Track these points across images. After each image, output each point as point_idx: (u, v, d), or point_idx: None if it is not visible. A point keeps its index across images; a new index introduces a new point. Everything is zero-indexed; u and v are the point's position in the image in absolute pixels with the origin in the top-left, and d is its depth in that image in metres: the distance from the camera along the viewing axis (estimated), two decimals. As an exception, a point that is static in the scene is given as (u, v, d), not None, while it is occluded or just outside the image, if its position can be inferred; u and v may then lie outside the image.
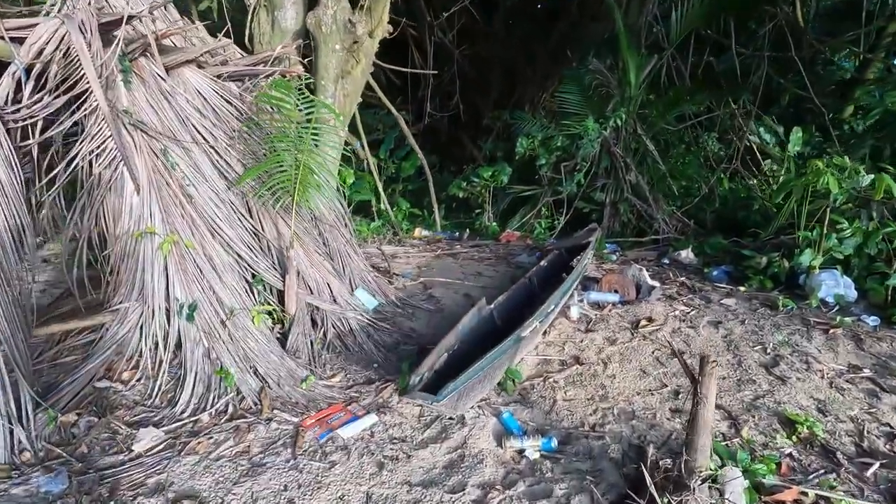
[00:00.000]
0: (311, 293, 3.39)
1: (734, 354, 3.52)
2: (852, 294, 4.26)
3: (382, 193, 6.85)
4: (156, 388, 2.68)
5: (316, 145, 3.35)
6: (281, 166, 3.31)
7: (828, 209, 4.23)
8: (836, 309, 4.26)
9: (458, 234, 7.14)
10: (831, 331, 3.87)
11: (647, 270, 4.74)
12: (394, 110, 6.41)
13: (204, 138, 3.24)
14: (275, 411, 2.64)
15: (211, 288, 2.91)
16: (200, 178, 3.13)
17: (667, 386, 3.13)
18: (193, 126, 3.21)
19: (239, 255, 3.16)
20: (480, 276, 5.02)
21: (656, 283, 4.57)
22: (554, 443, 2.54)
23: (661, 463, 2.32)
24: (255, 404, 2.67)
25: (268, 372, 2.83)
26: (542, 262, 4.60)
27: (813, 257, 4.26)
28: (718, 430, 2.71)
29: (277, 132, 3.48)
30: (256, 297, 3.14)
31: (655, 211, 7.00)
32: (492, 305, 3.42)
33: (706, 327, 3.91)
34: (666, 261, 6.04)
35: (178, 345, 2.85)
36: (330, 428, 2.54)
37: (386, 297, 3.90)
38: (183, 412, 2.57)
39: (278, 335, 3.17)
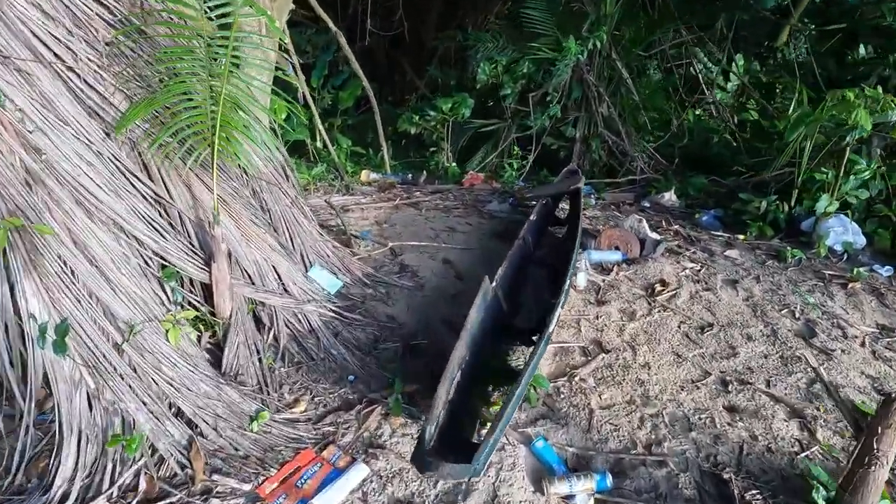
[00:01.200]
0: (251, 283, 2.44)
1: (765, 323, 3.06)
2: (861, 241, 3.94)
3: (322, 130, 5.67)
4: (14, 463, 1.71)
5: (237, 66, 2.26)
6: (190, 99, 2.21)
7: (848, 148, 3.76)
8: (844, 258, 3.94)
9: (411, 176, 6.18)
10: (850, 285, 3.52)
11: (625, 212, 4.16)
12: (333, 25, 5.12)
13: (56, 55, 2.05)
14: (214, 476, 1.78)
15: (92, 295, 1.89)
16: (55, 119, 1.99)
17: (710, 374, 2.60)
18: (34, 34, 2.00)
19: (136, 239, 2.11)
20: (454, 233, 4.21)
21: (658, 236, 4.00)
22: (609, 480, 1.93)
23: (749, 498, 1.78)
24: (183, 468, 1.79)
25: (197, 412, 1.92)
26: (532, 217, 3.85)
27: (829, 202, 3.84)
28: (790, 434, 2.23)
29: (178, 46, 2.32)
30: (170, 298, 2.15)
31: (629, 147, 6.40)
32: (494, 283, 2.66)
33: (724, 289, 3.42)
34: (646, 204, 5.52)
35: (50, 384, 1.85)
36: (303, 497, 1.75)
37: (350, 273, 3.01)
38: (63, 499, 1.64)
39: (208, 349, 2.23)
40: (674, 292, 3.32)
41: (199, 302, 2.26)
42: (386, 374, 2.39)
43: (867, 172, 3.70)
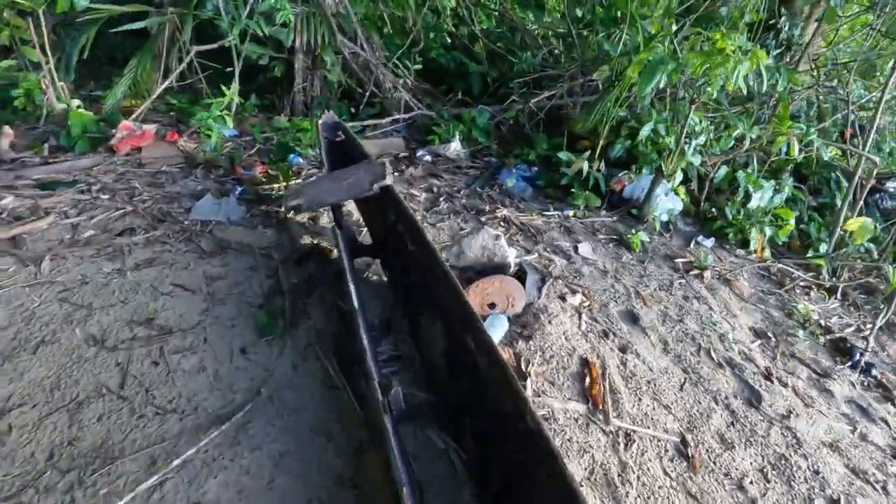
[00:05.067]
0: None
1: (693, 381, 2.23)
2: (678, 206, 3.55)
3: None
4: None
5: None
6: None
7: (692, 105, 3.05)
8: (670, 231, 3.52)
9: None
10: (704, 277, 3.08)
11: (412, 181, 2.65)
12: None
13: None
14: None
15: None
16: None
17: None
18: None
19: None
20: (155, 338, 1.83)
21: (516, 254, 2.64)
22: None
23: None
24: None
25: None
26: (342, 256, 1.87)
27: (670, 169, 3.18)
28: None
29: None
30: None
31: (375, 63, 4.52)
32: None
33: (633, 335, 2.43)
34: (428, 157, 4.02)
35: None
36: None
37: None
38: None
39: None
40: (602, 371, 2.13)
41: None
42: None
43: (702, 137, 3.14)
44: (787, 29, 3.72)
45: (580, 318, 2.43)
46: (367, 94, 4.65)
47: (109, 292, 2.02)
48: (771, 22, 3.76)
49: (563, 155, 3.58)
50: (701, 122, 3.13)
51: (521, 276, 2.43)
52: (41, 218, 2.38)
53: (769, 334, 2.75)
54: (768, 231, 3.39)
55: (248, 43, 3.94)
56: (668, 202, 3.46)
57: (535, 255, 2.86)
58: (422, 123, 4.39)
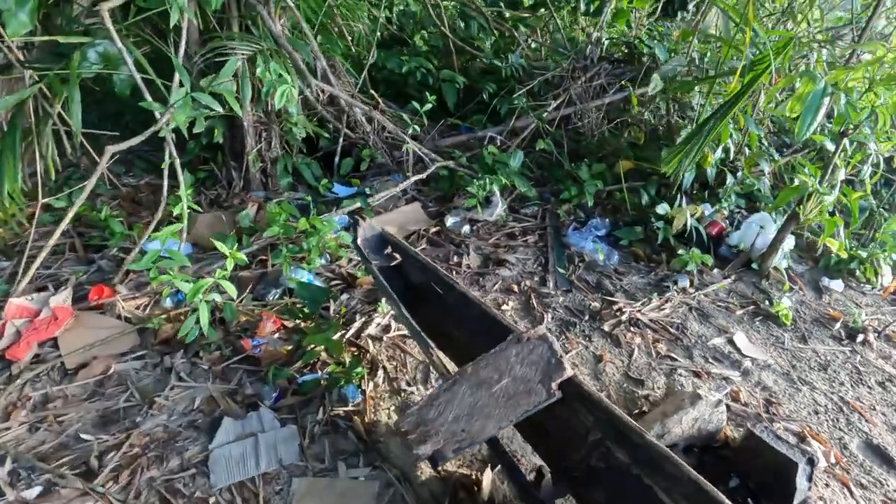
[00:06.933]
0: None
1: None
2: (791, 244, 2.93)
3: None
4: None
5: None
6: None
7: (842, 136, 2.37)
8: (790, 279, 2.90)
9: None
10: (871, 343, 2.51)
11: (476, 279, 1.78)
12: None
13: None
14: None
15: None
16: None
17: None
18: None
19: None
20: None
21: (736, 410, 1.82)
22: None
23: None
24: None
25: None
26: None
27: (808, 217, 2.51)
28: None
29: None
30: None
31: (347, 99, 3.31)
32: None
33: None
34: (464, 227, 3.01)
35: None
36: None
37: None
38: None
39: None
40: None
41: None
42: None
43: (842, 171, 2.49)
44: None
45: (850, 492, 1.70)
46: (342, 139, 3.45)
47: None
48: None
49: (661, 208, 2.77)
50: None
51: (763, 456, 1.63)
52: None
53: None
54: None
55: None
56: (786, 244, 2.82)
57: (717, 387, 2.07)
58: (439, 175, 3.31)
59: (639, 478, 1.39)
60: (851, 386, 2.23)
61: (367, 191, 3.19)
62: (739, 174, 3.17)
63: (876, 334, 2.56)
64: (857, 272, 2.90)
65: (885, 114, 2.15)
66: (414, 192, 3.31)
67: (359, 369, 1.85)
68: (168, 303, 2.14)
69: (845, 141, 2.28)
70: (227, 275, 1.83)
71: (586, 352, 2.19)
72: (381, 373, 1.94)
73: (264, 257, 2.49)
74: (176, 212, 2.16)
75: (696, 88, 3.07)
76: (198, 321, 1.78)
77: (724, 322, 2.48)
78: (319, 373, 1.88)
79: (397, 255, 2.07)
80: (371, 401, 1.82)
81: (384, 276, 1.90)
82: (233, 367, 1.90)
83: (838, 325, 2.57)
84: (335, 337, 1.89)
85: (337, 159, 3.51)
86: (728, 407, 1.94)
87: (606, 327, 2.32)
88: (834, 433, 1.98)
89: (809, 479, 1.68)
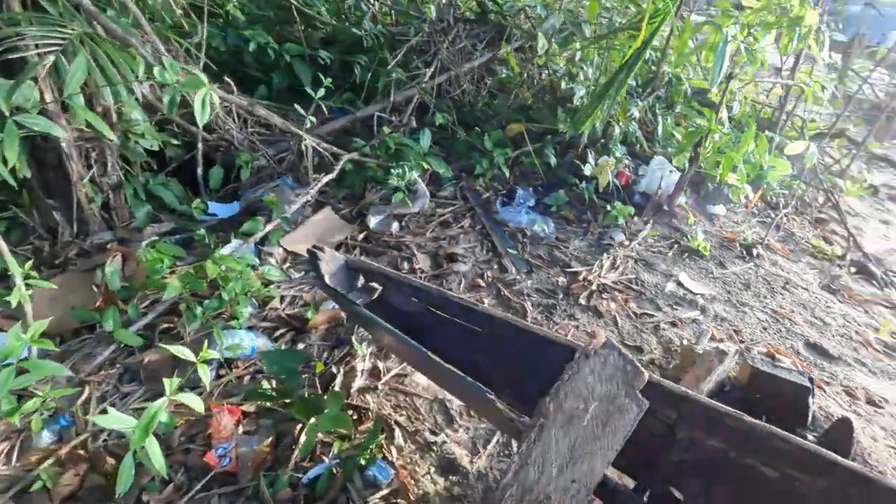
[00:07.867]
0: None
1: None
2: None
3: None
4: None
5: None
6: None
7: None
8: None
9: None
10: (759, 253, 2.92)
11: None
12: None
13: None
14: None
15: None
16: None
17: None
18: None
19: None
20: None
21: (720, 346, 1.91)
22: None
23: None
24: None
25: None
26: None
27: (711, 160, 2.77)
28: None
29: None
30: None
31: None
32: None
33: (845, 367, 2.11)
34: (393, 225, 2.67)
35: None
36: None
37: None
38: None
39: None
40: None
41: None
42: None
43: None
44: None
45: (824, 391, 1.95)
46: (200, 144, 2.70)
47: None
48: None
49: (587, 169, 2.77)
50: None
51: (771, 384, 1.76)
52: None
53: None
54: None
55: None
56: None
57: (696, 332, 2.17)
58: (345, 170, 2.80)
59: (736, 459, 1.35)
60: (771, 296, 2.58)
61: (264, 201, 2.55)
62: (621, 123, 3.36)
63: (761, 246, 2.99)
64: (730, 195, 3.35)
65: (762, 57, 2.41)
66: (315, 196, 2.78)
67: (378, 437, 1.46)
68: (46, 437, 1.42)
69: (733, 82, 2.52)
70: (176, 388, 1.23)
71: (578, 332, 2.11)
72: (397, 431, 1.58)
73: (169, 324, 1.82)
74: (14, 301, 1.41)
75: (579, 44, 3.09)
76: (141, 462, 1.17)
77: (665, 266, 2.63)
78: (326, 460, 1.44)
79: (375, 285, 1.67)
80: (404, 471, 1.46)
81: (366, 316, 1.51)
82: (199, 499, 1.34)
83: (738, 245, 2.95)
84: (339, 411, 1.45)
85: (200, 170, 2.75)
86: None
87: (582, 300, 2.26)
88: (784, 343, 2.26)
89: (813, 395, 1.88)
